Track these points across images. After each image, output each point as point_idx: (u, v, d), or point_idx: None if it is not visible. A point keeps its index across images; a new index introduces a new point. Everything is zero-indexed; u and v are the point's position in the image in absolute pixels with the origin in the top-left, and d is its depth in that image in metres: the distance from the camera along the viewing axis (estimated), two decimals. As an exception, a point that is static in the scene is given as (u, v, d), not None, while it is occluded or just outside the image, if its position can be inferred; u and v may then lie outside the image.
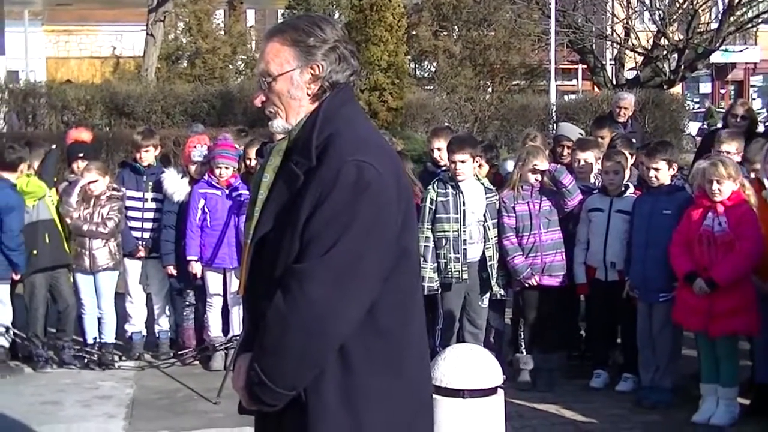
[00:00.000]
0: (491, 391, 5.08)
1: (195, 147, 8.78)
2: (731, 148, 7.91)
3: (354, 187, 2.93)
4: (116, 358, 8.66)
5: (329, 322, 2.93)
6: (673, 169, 7.53)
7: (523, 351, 7.95)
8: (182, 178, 8.73)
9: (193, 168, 8.74)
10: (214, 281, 8.52)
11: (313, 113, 3.12)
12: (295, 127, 3.14)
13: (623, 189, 7.84)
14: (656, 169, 7.43)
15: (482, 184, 7.83)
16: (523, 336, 8.00)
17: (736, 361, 7.13)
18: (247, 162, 8.81)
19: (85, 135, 10.03)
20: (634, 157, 8.50)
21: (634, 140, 10.16)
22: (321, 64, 3.11)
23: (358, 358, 3.03)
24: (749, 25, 32.73)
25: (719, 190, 6.85)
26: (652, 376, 7.43)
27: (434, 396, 5.01)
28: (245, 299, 3.21)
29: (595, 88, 33.42)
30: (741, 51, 39.10)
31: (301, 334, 2.93)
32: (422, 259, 7.23)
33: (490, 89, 28.55)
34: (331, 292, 2.91)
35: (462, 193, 7.61)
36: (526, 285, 7.83)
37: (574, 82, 44.74)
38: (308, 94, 3.14)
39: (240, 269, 3.23)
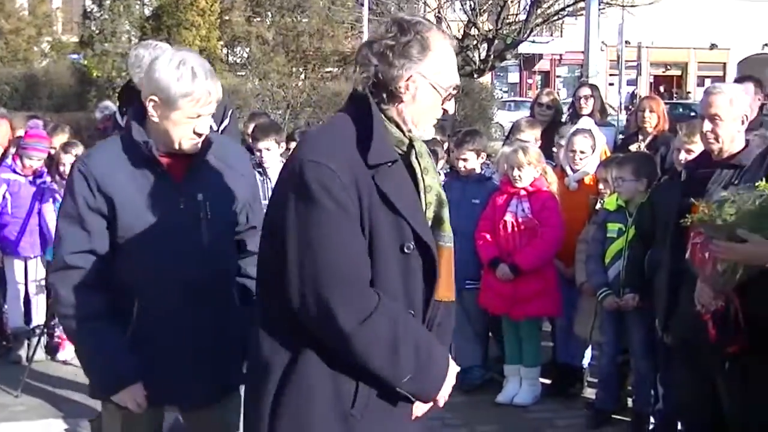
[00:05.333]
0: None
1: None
2: (528, 136, 8.13)
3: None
4: None
5: (366, 315, 2.93)
6: (482, 158, 7.67)
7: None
8: (-23, 161, 8.41)
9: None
10: (15, 270, 8.24)
11: None
12: None
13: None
14: (465, 159, 7.55)
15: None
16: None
17: (538, 343, 7.35)
18: (52, 151, 8.50)
19: None
20: (446, 144, 8.64)
21: (445, 128, 10.33)
22: None
23: None
24: (555, 18, 33.75)
25: (520, 176, 7.04)
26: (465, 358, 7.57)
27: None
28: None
29: (408, 77, 33.81)
30: (547, 42, 40.33)
31: (373, 343, 2.96)
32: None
33: (303, 76, 28.55)
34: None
35: (270, 179, 7.58)
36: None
37: (386, 70, 45.15)
38: None
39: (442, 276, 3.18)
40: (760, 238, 4.07)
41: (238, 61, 31.60)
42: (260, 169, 7.57)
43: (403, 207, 3.03)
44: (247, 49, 30.37)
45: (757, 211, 4.11)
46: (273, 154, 7.60)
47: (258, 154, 7.61)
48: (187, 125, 3.70)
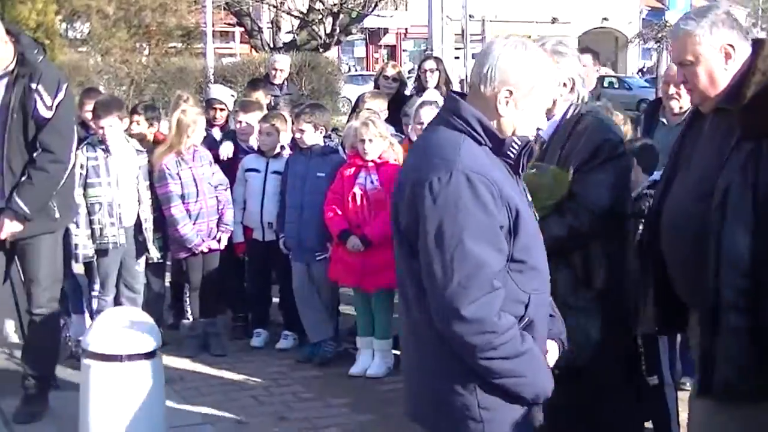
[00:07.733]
0: (150, 355, 5.05)
1: None
2: (374, 106, 8.20)
3: None
4: None
5: None
6: (321, 131, 7.62)
7: (190, 317, 7.85)
8: None
9: None
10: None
11: None
12: None
13: (280, 150, 7.91)
14: (301, 131, 7.53)
15: (132, 146, 7.61)
16: (189, 302, 7.88)
17: (390, 314, 7.38)
18: None
19: None
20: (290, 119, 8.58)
21: (291, 102, 10.27)
22: None
23: None
24: (400, -9, 33.96)
25: (370, 149, 7.06)
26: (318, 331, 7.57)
27: (91, 361, 4.97)
28: None
29: (253, 51, 33.58)
30: (392, 16, 40.54)
31: None
32: (75, 225, 7.05)
33: (146, 51, 28.09)
34: None
35: (112, 156, 7.37)
36: (195, 253, 7.70)
37: (231, 44, 44.77)
38: None
39: None
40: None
41: (79, 36, 30.81)
42: (103, 146, 7.38)
43: None
44: (88, 24, 29.63)
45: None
46: (116, 131, 7.40)
47: (101, 131, 7.40)
48: (534, 116, 3.42)
